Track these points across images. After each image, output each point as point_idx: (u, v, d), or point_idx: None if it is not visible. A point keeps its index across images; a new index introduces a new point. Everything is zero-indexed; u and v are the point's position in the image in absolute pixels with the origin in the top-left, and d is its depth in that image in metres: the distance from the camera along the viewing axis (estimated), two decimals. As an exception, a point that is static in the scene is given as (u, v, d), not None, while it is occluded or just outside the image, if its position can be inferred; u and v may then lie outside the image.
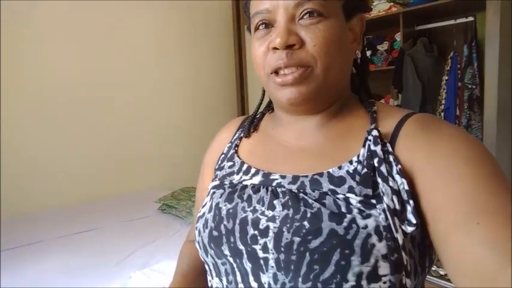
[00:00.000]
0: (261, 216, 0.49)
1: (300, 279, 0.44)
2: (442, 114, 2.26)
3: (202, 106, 3.37)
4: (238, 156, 0.62)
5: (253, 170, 0.57)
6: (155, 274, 1.55)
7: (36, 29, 2.51)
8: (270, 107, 0.68)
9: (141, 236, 2.04)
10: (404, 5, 2.40)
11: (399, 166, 0.46)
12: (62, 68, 2.63)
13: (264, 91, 0.65)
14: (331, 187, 0.48)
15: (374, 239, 0.43)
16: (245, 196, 0.53)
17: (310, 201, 0.47)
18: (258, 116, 0.68)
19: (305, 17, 0.50)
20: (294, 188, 0.50)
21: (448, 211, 0.42)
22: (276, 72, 0.52)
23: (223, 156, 0.65)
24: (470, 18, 2.18)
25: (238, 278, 0.51)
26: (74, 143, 2.71)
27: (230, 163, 0.61)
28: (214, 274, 0.56)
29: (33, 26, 2.50)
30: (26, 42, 2.48)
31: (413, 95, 2.30)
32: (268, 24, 0.52)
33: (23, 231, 2.17)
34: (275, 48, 0.51)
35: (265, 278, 0.48)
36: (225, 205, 0.54)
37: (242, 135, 0.65)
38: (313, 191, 0.48)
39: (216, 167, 0.64)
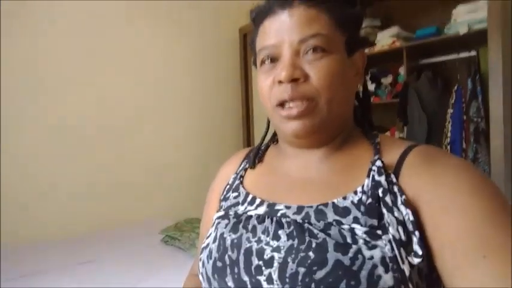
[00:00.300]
0: (265, 247, 0.49)
1: None
2: (448, 147, 2.25)
3: (207, 135, 3.40)
4: (243, 186, 0.62)
5: (258, 201, 0.57)
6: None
7: (44, 49, 2.59)
8: (274, 139, 0.70)
9: (144, 267, 2.00)
10: (408, 39, 2.46)
11: (404, 197, 0.46)
12: (69, 92, 2.69)
13: (268, 122, 0.66)
14: (336, 217, 0.48)
15: (380, 270, 0.42)
16: (250, 226, 0.53)
17: (315, 231, 0.47)
18: (263, 147, 0.69)
19: (309, 52, 0.52)
20: (298, 218, 0.50)
21: (455, 245, 0.42)
22: (282, 104, 0.54)
23: (228, 186, 0.65)
24: (473, 53, 2.21)
25: None
26: (80, 174, 2.72)
27: (235, 194, 0.62)
28: None
29: (39, 46, 2.58)
30: (38, 64, 2.56)
31: (419, 127, 2.30)
32: (274, 59, 0.55)
33: (25, 261, 2.14)
34: (280, 82, 0.52)
35: None
36: (229, 235, 0.54)
37: (247, 166, 0.66)
38: (318, 221, 0.48)
39: (221, 197, 0.65)
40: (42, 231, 2.54)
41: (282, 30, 0.53)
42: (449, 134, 2.26)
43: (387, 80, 2.73)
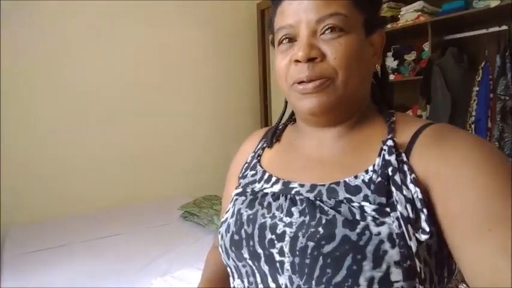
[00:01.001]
0: (278, 222, 0.52)
1: (314, 282, 0.46)
2: (473, 126, 2.18)
3: (226, 116, 3.40)
4: (260, 165, 0.64)
5: (273, 179, 0.59)
6: (176, 281, 1.56)
7: (66, 38, 2.62)
8: (292, 118, 0.70)
9: (163, 242, 2.06)
10: (433, 14, 2.36)
11: (413, 175, 0.47)
12: (91, 79, 2.72)
13: (286, 102, 0.66)
14: (347, 196, 0.50)
15: (387, 245, 0.44)
16: (265, 203, 0.56)
17: (326, 208, 0.49)
18: (280, 127, 0.70)
19: (326, 32, 0.52)
20: (311, 196, 0.52)
21: (462, 220, 0.43)
22: (298, 83, 0.54)
23: (246, 165, 0.68)
24: (504, 27, 2.10)
25: (258, 279, 0.54)
26: (101, 151, 2.78)
27: (253, 172, 0.64)
28: (236, 276, 0.59)
29: (61, 35, 2.61)
30: (59, 51, 2.59)
31: (442, 106, 2.23)
32: (292, 39, 0.55)
33: (50, 235, 2.24)
34: (297, 61, 0.53)
35: (282, 280, 0.50)
36: (246, 211, 0.57)
37: (265, 145, 0.68)
38: (330, 199, 0.50)
39: (240, 175, 0.67)
40: (65, 207, 2.64)
41: (299, 10, 0.53)
42: (474, 113, 2.19)
43: (410, 57, 2.64)
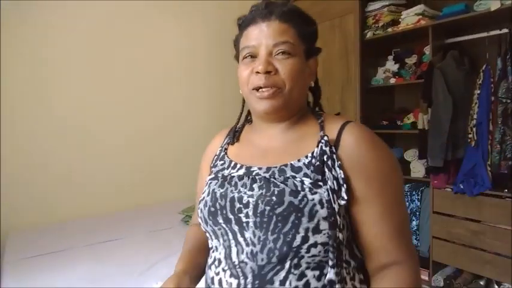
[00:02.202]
0: (243, 195, 0.71)
1: (269, 233, 0.67)
2: (474, 129, 2.18)
3: (228, 120, 3.39)
4: (227, 156, 0.84)
5: (238, 166, 0.78)
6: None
7: (66, 38, 2.63)
8: (247, 120, 0.90)
9: (165, 246, 2.05)
10: (434, 17, 2.36)
11: (339, 162, 0.69)
12: (91, 81, 2.73)
13: (243, 105, 0.88)
14: (292, 173, 0.70)
15: (318, 207, 0.65)
16: (233, 183, 0.74)
17: (277, 183, 0.69)
18: (238, 127, 0.90)
19: (279, 54, 0.73)
20: (267, 175, 0.72)
21: (370, 226, 0.69)
22: (257, 89, 0.73)
23: (216, 157, 0.87)
24: (505, 30, 2.10)
25: (230, 236, 0.72)
26: (102, 156, 2.78)
27: (222, 162, 0.83)
28: (213, 237, 0.77)
29: (62, 35, 2.62)
30: (61, 51, 2.60)
31: (444, 109, 2.23)
32: (253, 56, 0.74)
33: (51, 240, 2.23)
34: (257, 72, 0.72)
35: (248, 234, 0.70)
36: (219, 190, 0.75)
37: (229, 141, 0.87)
38: (280, 177, 0.70)
39: (212, 165, 0.86)
40: (65, 211, 2.64)
41: (261, 35, 0.73)
42: (475, 116, 2.18)
43: (411, 60, 2.64)
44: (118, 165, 2.85)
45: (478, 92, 2.18)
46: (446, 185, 2.32)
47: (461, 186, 2.21)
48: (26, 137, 2.50)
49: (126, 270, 1.76)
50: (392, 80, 2.64)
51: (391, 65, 2.72)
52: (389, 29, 2.52)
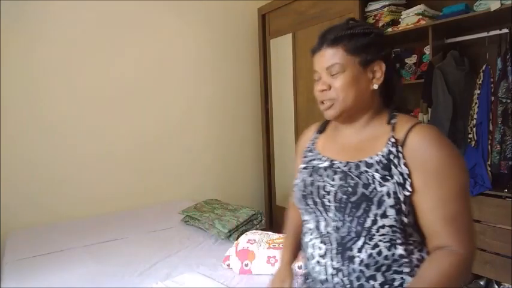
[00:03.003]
0: (327, 184, 0.90)
1: (346, 216, 0.86)
2: (474, 129, 2.17)
3: (227, 121, 3.41)
4: (316, 149, 1.02)
5: (324, 158, 0.97)
6: (177, 286, 1.55)
7: (67, 37, 2.63)
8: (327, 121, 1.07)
9: (165, 247, 2.05)
10: (434, 17, 2.36)
11: (403, 161, 0.83)
12: (92, 82, 2.73)
13: None
14: (365, 169, 0.86)
15: (385, 197, 0.81)
16: (319, 172, 0.94)
17: (353, 176, 0.86)
18: (323, 125, 1.09)
19: (331, 73, 0.90)
20: (345, 168, 0.89)
21: (430, 211, 0.81)
22: (322, 102, 0.94)
23: (307, 149, 1.05)
24: (505, 30, 2.10)
25: (318, 214, 0.92)
26: (102, 156, 2.78)
27: (311, 153, 1.02)
28: (305, 213, 0.97)
29: (62, 34, 2.62)
30: (62, 50, 2.60)
31: (444, 109, 2.23)
32: (319, 77, 0.93)
33: (51, 239, 2.23)
34: (318, 91, 0.93)
35: (331, 214, 0.89)
36: (308, 178, 0.95)
37: (318, 135, 1.06)
38: (355, 171, 0.87)
39: (304, 156, 1.04)
40: (65, 211, 2.64)
41: (319, 62, 0.93)
42: (475, 116, 2.18)
43: (411, 60, 2.64)
44: (118, 165, 2.85)
45: (478, 92, 2.18)
46: (446, 185, 2.31)
47: (461, 186, 2.21)
48: (26, 137, 2.50)
49: (126, 270, 1.76)
50: (392, 80, 2.63)
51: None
52: (389, 29, 2.51)
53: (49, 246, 2.11)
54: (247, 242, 1.78)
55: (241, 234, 2.02)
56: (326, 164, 0.94)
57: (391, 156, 0.84)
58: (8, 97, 2.42)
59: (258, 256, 1.70)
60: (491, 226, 2.11)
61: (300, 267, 1.07)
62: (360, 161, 0.88)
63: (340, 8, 2.65)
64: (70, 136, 2.65)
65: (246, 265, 1.70)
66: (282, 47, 3.16)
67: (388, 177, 0.82)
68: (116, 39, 2.80)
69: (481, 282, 2.24)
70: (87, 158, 2.72)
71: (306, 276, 1.00)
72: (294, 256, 1.09)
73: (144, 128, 2.97)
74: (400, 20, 2.51)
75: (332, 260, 0.88)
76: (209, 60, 3.28)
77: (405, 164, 0.82)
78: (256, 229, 2.22)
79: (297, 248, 1.09)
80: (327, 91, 0.91)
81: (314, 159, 0.99)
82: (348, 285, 0.86)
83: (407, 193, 0.81)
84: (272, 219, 3.45)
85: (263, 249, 1.73)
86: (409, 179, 0.81)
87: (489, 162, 2.13)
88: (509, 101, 2.05)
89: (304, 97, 2.96)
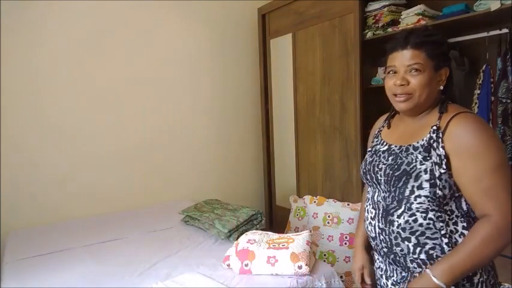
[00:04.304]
0: (380, 163, 1.13)
1: (391, 187, 1.07)
2: (474, 129, 2.18)
3: (227, 120, 3.41)
4: (380, 136, 1.24)
5: (385, 143, 1.19)
6: (177, 286, 1.55)
7: (68, 37, 2.63)
8: (393, 112, 1.26)
9: (165, 247, 2.05)
10: (434, 17, 2.36)
11: (442, 144, 1.01)
12: (92, 82, 2.73)
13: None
14: (412, 151, 1.06)
15: (422, 173, 1.00)
16: (378, 154, 1.17)
17: (402, 156, 1.08)
18: (391, 115, 1.27)
19: (412, 71, 1.05)
20: (398, 151, 1.11)
21: (471, 184, 0.97)
22: (395, 95, 1.09)
23: (375, 135, 1.27)
24: (505, 30, 2.10)
25: (374, 187, 1.16)
26: (102, 156, 2.78)
27: (377, 139, 1.24)
28: (368, 186, 1.22)
29: (59, 38, 2.62)
30: (63, 50, 2.60)
31: (443, 109, 2.23)
32: (395, 72, 1.09)
33: (51, 239, 2.23)
34: (396, 85, 1.07)
35: (382, 186, 1.12)
36: (370, 158, 1.20)
37: (384, 125, 1.26)
38: (405, 153, 1.08)
39: (372, 140, 1.28)
40: (65, 211, 2.64)
41: (400, 59, 1.06)
42: (475, 116, 2.18)
43: (411, 60, 2.64)
44: (118, 165, 2.85)
45: (478, 92, 2.18)
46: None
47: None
48: (25, 137, 2.50)
49: (126, 270, 1.76)
50: (392, 80, 2.63)
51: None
52: (390, 29, 2.51)
53: (49, 246, 2.11)
54: (247, 242, 1.78)
55: (241, 234, 2.02)
56: (385, 147, 1.17)
57: (431, 141, 1.02)
58: (8, 97, 2.42)
59: (258, 256, 1.70)
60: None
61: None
62: (409, 145, 1.07)
63: (340, 8, 2.65)
64: (70, 136, 2.65)
65: (246, 265, 1.70)
66: (282, 47, 3.16)
67: (428, 158, 1.01)
68: (116, 39, 2.80)
69: (481, 282, 2.24)
70: (87, 158, 2.72)
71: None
72: (365, 237, 1.30)
73: (144, 128, 2.97)
74: (400, 20, 2.51)
75: (379, 222, 1.12)
76: (209, 60, 3.28)
77: (443, 147, 1.00)
78: (256, 229, 2.22)
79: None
80: (405, 86, 1.05)
81: (377, 144, 1.22)
82: (389, 242, 1.09)
83: (442, 171, 0.98)
84: (272, 219, 3.45)
85: (263, 249, 1.73)
86: (445, 160, 0.99)
87: (489, 162, 2.13)
88: (509, 101, 2.05)
89: (304, 97, 2.96)
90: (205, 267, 1.76)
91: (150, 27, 2.95)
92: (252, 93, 3.52)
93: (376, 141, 1.23)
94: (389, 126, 1.24)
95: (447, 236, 1.01)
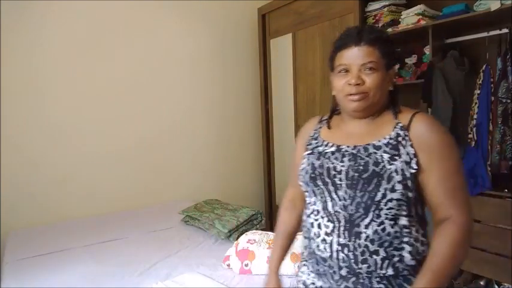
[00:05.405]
0: (337, 165, 0.98)
1: (358, 191, 0.93)
2: (474, 129, 2.17)
3: (228, 120, 3.41)
4: (320, 137, 1.10)
5: (330, 144, 1.05)
6: (177, 286, 1.55)
7: (63, 42, 2.63)
8: (334, 113, 1.14)
9: (165, 247, 2.05)
10: (434, 17, 2.36)
11: (410, 142, 0.94)
12: (92, 82, 2.73)
13: (332, 103, 1.13)
14: (374, 150, 0.95)
15: (394, 173, 0.91)
16: (327, 156, 1.01)
17: (363, 156, 0.95)
18: (326, 118, 1.17)
19: (366, 70, 0.97)
20: (354, 151, 0.98)
21: (436, 185, 0.92)
22: (349, 95, 0.98)
23: (311, 137, 1.12)
24: (505, 30, 2.10)
25: (326, 194, 0.99)
26: (102, 156, 2.78)
27: (316, 141, 1.09)
28: (312, 195, 1.03)
29: (58, 38, 2.62)
30: (64, 50, 2.60)
31: (444, 109, 2.23)
32: (346, 71, 0.99)
33: (51, 239, 2.23)
34: (350, 84, 0.97)
35: (341, 193, 0.96)
36: (316, 162, 1.02)
37: (322, 126, 1.13)
38: (364, 152, 0.96)
39: (307, 144, 1.11)
40: (65, 211, 2.64)
41: (352, 56, 0.98)
42: (475, 116, 2.18)
43: (411, 60, 2.64)
44: (118, 165, 2.85)
45: (478, 92, 2.18)
46: (446, 185, 2.32)
47: (461, 186, 2.21)
48: (26, 137, 2.50)
49: (126, 270, 1.76)
50: (392, 80, 2.63)
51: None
52: (389, 29, 2.51)
53: (49, 246, 2.11)
54: (247, 242, 1.78)
55: (241, 234, 2.02)
56: (333, 148, 1.03)
57: (399, 139, 0.94)
58: (8, 97, 2.42)
59: (258, 256, 1.70)
60: (491, 226, 2.11)
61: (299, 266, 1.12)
62: (368, 144, 0.97)
63: (340, 8, 2.65)
64: (70, 136, 2.65)
65: (246, 265, 1.70)
66: (282, 47, 3.16)
67: (396, 157, 0.92)
68: (116, 39, 2.80)
69: (481, 282, 2.24)
70: (87, 158, 2.72)
71: (308, 257, 1.07)
72: (281, 262, 1.17)
73: (144, 128, 2.97)
74: (400, 20, 2.51)
75: (339, 236, 0.95)
76: (209, 60, 3.28)
77: (411, 145, 0.93)
78: (256, 229, 2.22)
79: (285, 251, 1.18)
80: (360, 85, 0.97)
81: (319, 146, 1.07)
82: (352, 260, 0.93)
83: (412, 170, 0.91)
84: (272, 219, 3.45)
85: (263, 249, 1.73)
86: (414, 158, 0.92)
87: (489, 163, 2.13)
88: (509, 101, 2.05)
89: (304, 97, 2.96)
90: (205, 267, 1.76)
91: (150, 27, 2.95)
92: (252, 93, 3.52)
93: (316, 143, 1.08)
94: (329, 127, 1.11)
95: (410, 244, 0.92)
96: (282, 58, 3.17)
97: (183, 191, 3.16)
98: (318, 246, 0.99)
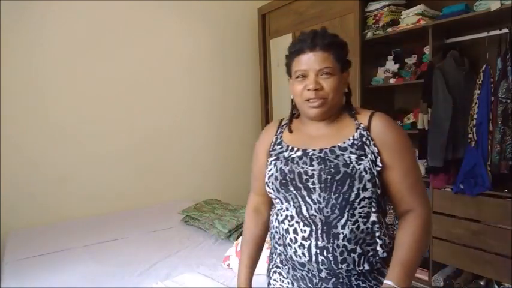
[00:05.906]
0: (308, 169, 0.98)
1: (332, 194, 0.95)
2: (474, 129, 2.17)
3: (228, 120, 3.41)
4: (283, 142, 1.09)
5: (295, 149, 1.05)
6: (177, 286, 1.55)
7: (63, 42, 2.63)
8: (293, 116, 1.15)
9: (165, 247, 2.05)
10: (434, 17, 2.36)
11: (373, 142, 0.98)
12: (92, 82, 2.73)
13: (292, 107, 1.13)
14: (341, 152, 0.98)
15: (364, 173, 0.94)
16: (295, 161, 1.01)
17: (331, 159, 0.97)
18: (285, 122, 1.16)
19: (323, 75, 0.99)
20: (321, 154, 0.99)
21: (398, 181, 0.97)
22: (308, 100, 1.00)
23: (273, 143, 1.11)
24: (505, 30, 2.10)
25: (300, 199, 0.99)
26: (102, 156, 2.78)
27: (279, 146, 1.09)
28: (284, 201, 1.03)
29: (58, 39, 2.62)
30: (64, 50, 2.60)
31: (444, 109, 2.23)
32: (304, 76, 1.01)
33: (51, 239, 2.23)
34: (309, 89, 0.99)
35: (314, 196, 0.97)
36: (285, 167, 1.01)
37: (283, 130, 1.13)
38: (332, 155, 0.98)
39: (270, 149, 1.11)
40: (65, 211, 2.64)
41: (309, 62, 1.00)
42: (475, 116, 2.18)
43: (411, 60, 2.64)
44: (118, 165, 2.85)
45: (478, 92, 2.18)
46: (446, 185, 2.32)
47: (461, 186, 2.21)
48: (25, 137, 2.50)
49: (126, 270, 1.76)
50: (392, 80, 2.63)
51: (391, 65, 2.71)
52: (390, 29, 2.51)
53: (49, 246, 2.11)
54: (247, 242, 1.78)
55: (241, 234, 2.02)
56: (299, 153, 1.03)
57: (363, 139, 0.98)
58: (8, 97, 2.42)
59: (258, 256, 1.70)
60: (491, 226, 2.11)
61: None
62: (334, 146, 0.99)
63: (340, 8, 2.65)
64: (70, 136, 2.65)
65: (246, 265, 1.70)
66: (282, 47, 3.16)
67: (363, 157, 0.96)
68: (116, 39, 2.80)
69: (481, 282, 2.24)
70: (87, 157, 2.72)
71: (282, 264, 1.08)
72: (251, 272, 1.19)
73: (144, 128, 2.97)
74: (400, 20, 2.51)
75: (317, 239, 0.96)
76: (209, 60, 3.28)
77: (374, 145, 0.97)
78: (256, 229, 2.22)
79: (253, 260, 1.19)
80: (318, 90, 0.99)
81: (284, 151, 1.07)
82: (332, 261, 0.95)
83: (378, 168, 0.95)
84: (272, 219, 3.45)
85: (263, 249, 1.73)
86: (379, 157, 0.96)
87: (489, 163, 2.13)
88: (509, 101, 2.05)
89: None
90: (205, 267, 1.76)
91: (150, 27, 2.95)
92: (252, 93, 3.52)
93: (280, 148, 1.08)
94: (290, 131, 1.11)
95: (381, 238, 0.96)
96: (282, 58, 3.16)
97: (183, 191, 3.16)
98: (295, 251, 0.99)
